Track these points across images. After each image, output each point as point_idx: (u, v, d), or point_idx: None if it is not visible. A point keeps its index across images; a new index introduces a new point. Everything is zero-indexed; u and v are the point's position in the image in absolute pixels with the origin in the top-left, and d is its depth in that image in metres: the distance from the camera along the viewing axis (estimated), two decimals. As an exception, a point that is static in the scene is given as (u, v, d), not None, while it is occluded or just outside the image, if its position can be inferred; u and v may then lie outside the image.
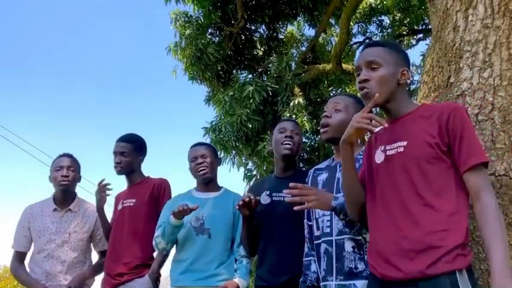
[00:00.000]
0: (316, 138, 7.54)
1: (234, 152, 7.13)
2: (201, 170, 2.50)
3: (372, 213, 1.57)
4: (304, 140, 7.20)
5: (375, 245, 1.52)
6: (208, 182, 2.54)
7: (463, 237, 1.37)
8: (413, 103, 1.66)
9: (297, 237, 2.09)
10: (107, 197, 2.69)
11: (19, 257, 2.77)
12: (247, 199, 2.10)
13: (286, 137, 2.28)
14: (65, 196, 2.80)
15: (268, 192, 2.29)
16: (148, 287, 2.53)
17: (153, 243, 2.46)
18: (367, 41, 8.59)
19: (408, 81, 1.64)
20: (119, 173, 2.77)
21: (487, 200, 1.37)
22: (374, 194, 1.57)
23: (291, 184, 1.66)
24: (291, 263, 2.10)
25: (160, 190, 2.72)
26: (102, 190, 2.65)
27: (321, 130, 1.97)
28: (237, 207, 2.14)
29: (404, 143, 1.50)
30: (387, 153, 1.55)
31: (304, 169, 5.33)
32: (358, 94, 1.66)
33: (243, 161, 7.57)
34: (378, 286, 1.47)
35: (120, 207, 2.74)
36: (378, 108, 1.67)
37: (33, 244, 2.77)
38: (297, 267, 2.05)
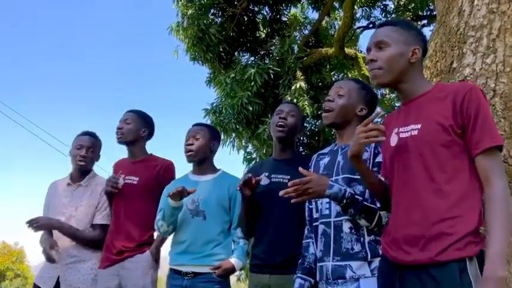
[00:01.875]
0: (317, 123, 7.53)
1: (234, 134, 7.12)
2: (186, 151, 2.50)
3: (391, 197, 1.58)
4: (304, 124, 7.20)
5: (390, 227, 1.53)
6: (201, 163, 2.54)
7: (475, 224, 1.35)
8: (428, 83, 1.63)
9: (295, 218, 2.11)
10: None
11: (46, 233, 2.80)
12: (247, 178, 2.10)
13: (280, 118, 2.28)
14: (81, 173, 2.84)
15: (267, 174, 2.29)
16: (149, 262, 2.56)
17: (155, 226, 2.47)
18: (371, 26, 8.51)
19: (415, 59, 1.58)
20: (119, 140, 2.76)
21: (496, 185, 1.34)
22: (392, 178, 1.57)
23: (290, 183, 1.64)
24: (288, 243, 2.12)
25: (165, 173, 2.72)
26: (110, 185, 2.63)
27: (323, 114, 1.96)
28: (239, 188, 2.15)
29: (418, 126, 1.47)
30: (400, 136, 1.53)
31: (303, 153, 5.35)
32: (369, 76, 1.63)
33: (243, 143, 7.57)
34: (390, 268, 1.48)
35: (121, 182, 2.72)
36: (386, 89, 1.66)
37: None
38: (293, 248, 2.07)
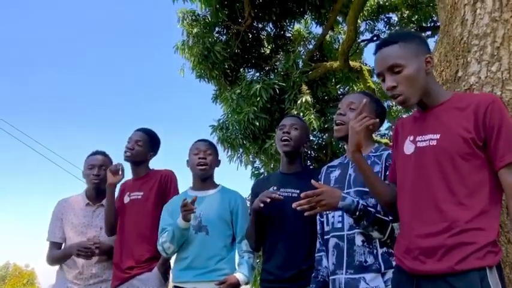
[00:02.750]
0: (324, 136, 7.52)
1: (241, 150, 7.13)
2: (201, 164, 2.51)
3: (401, 206, 1.55)
4: (311, 138, 7.19)
5: (403, 238, 1.51)
6: (205, 179, 2.56)
7: (494, 235, 1.35)
8: (445, 91, 1.60)
9: (305, 232, 2.10)
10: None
11: (55, 248, 2.81)
12: (274, 196, 2.09)
13: (284, 133, 2.29)
14: (97, 193, 2.85)
15: (275, 188, 2.29)
16: (157, 279, 2.55)
17: (160, 248, 2.46)
18: (375, 39, 8.54)
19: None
20: (127, 158, 2.77)
21: None
22: (403, 186, 1.54)
23: (302, 194, 1.64)
24: (299, 258, 2.11)
25: (167, 181, 2.73)
26: (113, 172, 2.65)
27: (335, 128, 1.97)
28: (262, 205, 2.10)
29: (437, 136, 1.44)
30: (418, 145, 1.49)
31: (311, 167, 5.34)
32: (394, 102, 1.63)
33: (251, 159, 7.58)
34: (405, 278, 1.46)
35: (127, 200, 2.75)
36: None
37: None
38: (304, 262, 2.07)
